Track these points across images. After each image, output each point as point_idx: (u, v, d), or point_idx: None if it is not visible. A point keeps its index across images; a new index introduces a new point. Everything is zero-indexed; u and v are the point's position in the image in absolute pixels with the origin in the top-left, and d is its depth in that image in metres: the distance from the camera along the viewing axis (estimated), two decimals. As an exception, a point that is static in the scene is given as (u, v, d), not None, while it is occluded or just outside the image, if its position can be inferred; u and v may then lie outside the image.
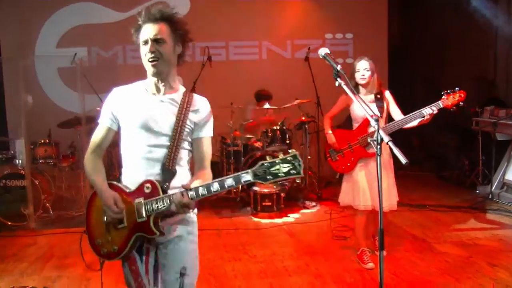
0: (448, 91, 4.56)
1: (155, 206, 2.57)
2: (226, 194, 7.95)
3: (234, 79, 9.77)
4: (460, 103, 4.54)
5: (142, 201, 2.60)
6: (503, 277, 4.74)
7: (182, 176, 2.76)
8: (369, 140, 2.40)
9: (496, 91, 8.91)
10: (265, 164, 2.43)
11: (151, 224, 2.59)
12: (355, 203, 5.06)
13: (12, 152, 7.40)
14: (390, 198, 4.99)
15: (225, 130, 8.16)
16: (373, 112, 2.58)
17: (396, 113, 5.01)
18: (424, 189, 8.60)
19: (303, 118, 8.09)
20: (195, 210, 2.89)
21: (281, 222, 6.90)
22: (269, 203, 7.20)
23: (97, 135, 2.81)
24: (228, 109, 8.25)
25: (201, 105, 2.83)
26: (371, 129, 4.92)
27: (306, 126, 8.20)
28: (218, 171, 8.48)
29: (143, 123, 2.70)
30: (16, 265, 5.45)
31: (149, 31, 2.65)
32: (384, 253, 5.45)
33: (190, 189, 2.50)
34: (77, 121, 7.61)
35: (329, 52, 2.94)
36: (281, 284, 4.79)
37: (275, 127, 8.01)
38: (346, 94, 2.79)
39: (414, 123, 4.69)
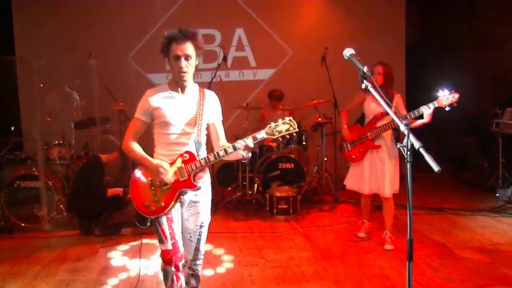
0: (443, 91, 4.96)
1: (193, 166, 3.47)
2: (241, 196, 7.87)
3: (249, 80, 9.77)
4: (454, 104, 4.90)
5: (183, 165, 3.49)
6: (529, 285, 4.61)
7: (203, 148, 3.65)
8: (398, 146, 2.32)
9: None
10: (272, 125, 3.35)
11: (192, 180, 3.50)
12: (360, 188, 5.80)
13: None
14: (392, 184, 5.58)
15: (240, 131, 8.08)
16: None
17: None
18: (443, 192, 8.46)
19: (320, 120, 7.98)
20: (209, 178, 3.77)
21: (297, 225, 6.79)
22: (285, 206, 7.11)
23: (133, 126, 3.62)
24: (244, 110, 8.20)
25: (212, 98, 3.70)
26: (378, 124, 5.55)
27: (323, 127, 8.09)
28: (233, 171, 8.38)
29: (170, 118, 3.52)
30: (29, 268, 5.41)
31: (181, 49, 3.41)
32: (391, 247, 5.68)
33: (247, 138, 3.38)
34: (91, 122, 7.56)
35: (354, 52, 2.85)
36: (299, 290, 4.69)
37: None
38: (363, 92, 2.79)
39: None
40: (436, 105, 4.91)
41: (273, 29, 9.78)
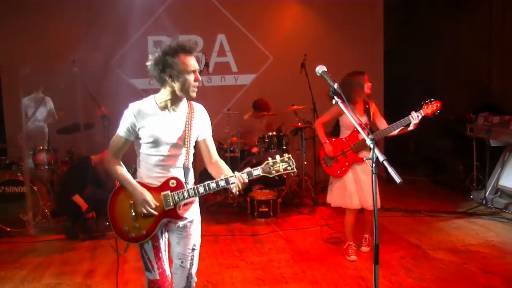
0: (427, 101, 5.01)
1: (181, 196, 3.25)
2: (223, 199, 8.03)
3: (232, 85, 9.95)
4: (437, 111, 4.98)
5: (169, 193, 3.25)
6: (497, 285, 4.82)
7: (192, 174, 3.42)
8: (365, 159, 2.50)
9: (490, 97, 8.98)
10: (270, 163, 3.21)
11: (178, 211, 3.27)
12: (346, 204, 5.57)
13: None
14: (379, 195, 5.34)
15: (222, 136, 8.22)
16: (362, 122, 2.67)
17: (382, 123, 5.51)
18: (419, 194, 8.65)
19: (299, 124, 8.16)
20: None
21: (277, 228, 6.96)
22: (266, 209, 7.26)
23: (116, 144, 3.32)
24: (225, 115, 8.35)
25: (200, 112, 3.45)
26: (361, 136, 5.33)
27: (303, 132, 8.27)
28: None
29: (158, 137, 3.22)
30: (16, 272, 5.52)
31: (194, 63, 3.23)
32: (367, 249, 5.79)
33: (243, 173, 3.19)
34: (75, 128, 7.66)
35: (326, 70, 3.03)
36: (278, 291, 4.86)
37: (271, 133, 8.07)
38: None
39: (396, 131, 5.19)
40: (423, 114, 4.95)
41: (254, 35, 9.91)
